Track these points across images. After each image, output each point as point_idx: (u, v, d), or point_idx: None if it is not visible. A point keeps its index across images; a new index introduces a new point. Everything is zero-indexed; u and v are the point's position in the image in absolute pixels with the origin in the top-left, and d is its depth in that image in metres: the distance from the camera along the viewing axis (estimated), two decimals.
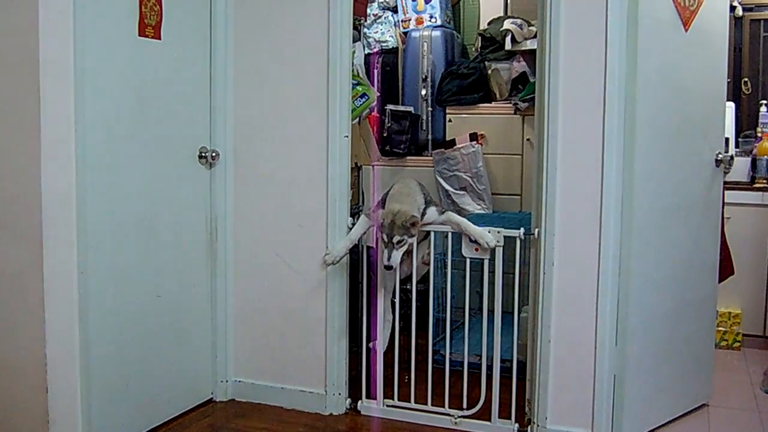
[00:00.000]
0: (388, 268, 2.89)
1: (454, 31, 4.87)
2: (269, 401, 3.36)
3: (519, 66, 4.43)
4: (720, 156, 3.24)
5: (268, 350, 3.37)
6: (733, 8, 4.52)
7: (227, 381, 3.41)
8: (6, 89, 2.67)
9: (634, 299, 2.90)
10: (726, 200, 3.51)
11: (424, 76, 4.62)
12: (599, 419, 2.88)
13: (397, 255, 2.87)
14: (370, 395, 3.26)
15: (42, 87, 2.59)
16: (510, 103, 4.40)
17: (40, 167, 2.61)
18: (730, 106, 4.26)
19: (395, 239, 2.87)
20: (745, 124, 4.70)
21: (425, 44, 4.62)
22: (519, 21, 4.46)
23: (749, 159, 4.33)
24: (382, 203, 3.06)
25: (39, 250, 2.64)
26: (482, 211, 4.29)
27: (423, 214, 3.01)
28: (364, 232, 3.14)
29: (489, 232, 2.96)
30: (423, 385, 3.16)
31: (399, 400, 3.21)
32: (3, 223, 2.72)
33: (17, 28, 2.63)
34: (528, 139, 4.28)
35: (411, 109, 4.61)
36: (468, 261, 3.05)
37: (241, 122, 3.33)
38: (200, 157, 3.24)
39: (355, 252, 3.26)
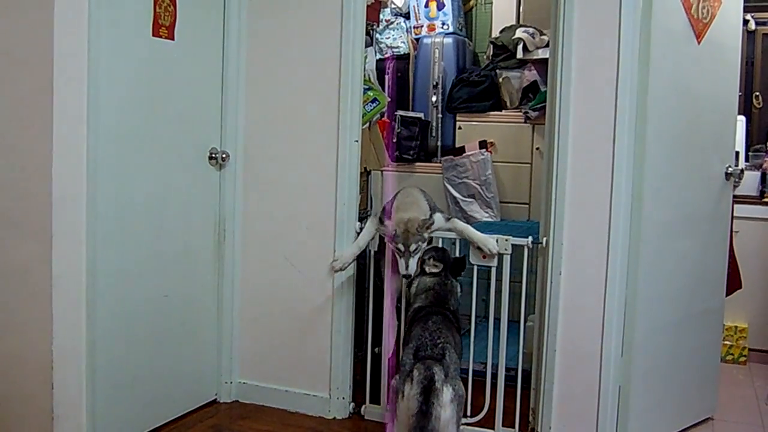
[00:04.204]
0: (407, 276, 2.86)
1: (466, 39, 4.87)
2: (273, 403, 3.36)
3: (530, 75, 4.43)
4: (730, 169, 3.23)
5: (273, 352, 3.38)
6: (746, 22, 4.51)
7: (232, 382, 3.42)
8: (20, 87, 2.69)
9: (641, 310, 2.89)
10: (735, 214, 3.50)
11: (435, 83, 4.63)
12: (603, 430, 2.88)
13: (413, 262, 2.83)
14: (374, 400, 3.26)
15: (55, 85, 2.60)
16: (520, 111, 4.40)
17: (51, 165, 2.63)
18: (741, 119, 4.25)
19: (411, 247, 2.82)
20: (756, 138, 4.69)
21: (437, 51, 4.63)
22: (531, 30, 4.46)
23: (759, 173, 4.32)
24: (388, 214, 3.04)
25: (48, 248, 2.65)
26: (490, 219, 4.29)
27: (431, 221, 3.01)
28: (372, 238, 3.14)
29: (497, 240, 2.96)
30: None
31: None
32: (13, 220, 2.74)
33: (32, 27, 2.64)
34: (537, 148, 4.28)
35: (421, 115, 4.61)
36: (475, 268, 3.05)
37: (251, 124, 3.34)
38: (210, 158, 3.25)
39: (361, 258, 3.26)
